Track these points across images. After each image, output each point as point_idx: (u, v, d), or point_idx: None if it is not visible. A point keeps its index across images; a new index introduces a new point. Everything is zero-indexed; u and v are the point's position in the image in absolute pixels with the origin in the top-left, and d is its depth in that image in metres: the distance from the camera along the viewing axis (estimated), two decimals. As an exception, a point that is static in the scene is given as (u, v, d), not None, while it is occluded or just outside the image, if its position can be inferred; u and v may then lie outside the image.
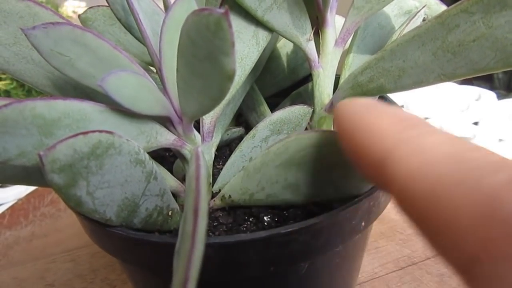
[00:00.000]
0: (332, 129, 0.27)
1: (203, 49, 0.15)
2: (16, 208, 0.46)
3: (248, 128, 0.32)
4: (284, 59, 0.33)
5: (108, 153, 0.16)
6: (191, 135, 0.21)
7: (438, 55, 0.19)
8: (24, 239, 0.42)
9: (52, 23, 0.18)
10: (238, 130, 0.30)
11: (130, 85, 0.18)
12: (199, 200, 0.12)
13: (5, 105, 0.15)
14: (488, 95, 0.68)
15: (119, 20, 0.25)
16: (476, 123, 0.62)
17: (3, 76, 0.93)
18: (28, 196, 0.48)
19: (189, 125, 0.21)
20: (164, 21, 0.19)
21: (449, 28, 0.19)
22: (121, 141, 0.17)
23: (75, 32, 0.18)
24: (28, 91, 0.95)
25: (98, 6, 0.32)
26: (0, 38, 0.21)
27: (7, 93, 0.93)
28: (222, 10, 0.14)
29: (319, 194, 0.21)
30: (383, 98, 0.29)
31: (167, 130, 0.21)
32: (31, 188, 0.51)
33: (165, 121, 0.21)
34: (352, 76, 0.23)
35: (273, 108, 0.33)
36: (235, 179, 0.23)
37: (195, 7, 0.20)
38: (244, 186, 0.22)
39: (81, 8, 1.06)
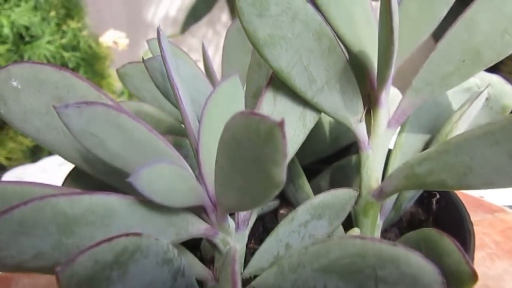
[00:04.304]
0: (379, 234, 0.24)
1: (250, 153, 0.13)
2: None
3: (283, 199, 0.30)
4: (326, 126, 0.31)
5: (134, 258, 0.15)
6: (225, 225, 0.19)
7: (515, 158, 0.17)
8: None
9: (86, 103, 0.16)
10: (273, 204, 0.28)
11: (164, 177, 0.16)
12: None
13: (25, 203, 0.13)
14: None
15: (158, 87, 0.23)
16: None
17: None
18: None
19: (224, 215, 0.19)
20: (206, 103, 0.18)
21: (530, 129, 0.16)
22: (149, 243, 0.15)
23: (110, 113, 0.17)
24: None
25: (138, 62, 0.31)
26: (33, 107, 0.20)
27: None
28: (276, 120, 0.12)
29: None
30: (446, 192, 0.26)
31: (199, 219, 0.19)
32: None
33: (197, 209, 0.19)
34: (408, 165, 0.21)
35: (312, 176, 0.31)
36: (268, 274, 0.20)
37: (241, 91, 0.18)
38: (277, 284, 0.20)
39: (121, 38, 1.08)
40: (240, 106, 0.19)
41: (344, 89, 0.21)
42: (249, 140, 0.13)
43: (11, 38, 0.80)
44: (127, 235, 0.14)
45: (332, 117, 0.21)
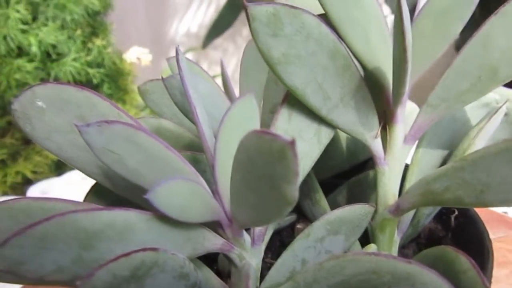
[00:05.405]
0: (396, 250, 0.24)
1: (263, 171, 0.14)
2: None
3: (300, 214, 0.30)
4: (343, 141, 0.31)
5: (151, 272, 0.15)
6: (241, 240, 0.20)
7: (533, 175, 0.17)
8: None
9: (107, 122, 0.17)
10: (289, 218, 0.28)
11: (181, 194, 0.16)
12: None
13: (47, 219, 0.14)
14: None
15: (176, 104, 0.24)
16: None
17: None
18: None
19: (239, 230, 0.19)
20: (222, 121, 0.18)
21: (548, 147, 0.16)
22: (166, 257, 0.16)
23: (128, 131, 0.17)
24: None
25: (158, 79, 0.32)
26: (57, 125, 0.20)
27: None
28: (288, 139, 0.12)
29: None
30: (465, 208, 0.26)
31: (215, 234, 0.19)
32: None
33: (213, 224, 0.19)
34: (424, 182, 0.21)
35: (329, 191, 0.31)
36: (284, 290, 0.20)
37: (256, 108, 0.18)
38: (293, 299, 0.20)
39: (145, 54, 1.10)
40: (255, 123, 0.19)
41: (359, 106, 0.21)
42: (262, 159, 0.13)
43: (39, 56, 0.82)
44: (144, 250, 0.15)
45: (347, 133, 0.21)
